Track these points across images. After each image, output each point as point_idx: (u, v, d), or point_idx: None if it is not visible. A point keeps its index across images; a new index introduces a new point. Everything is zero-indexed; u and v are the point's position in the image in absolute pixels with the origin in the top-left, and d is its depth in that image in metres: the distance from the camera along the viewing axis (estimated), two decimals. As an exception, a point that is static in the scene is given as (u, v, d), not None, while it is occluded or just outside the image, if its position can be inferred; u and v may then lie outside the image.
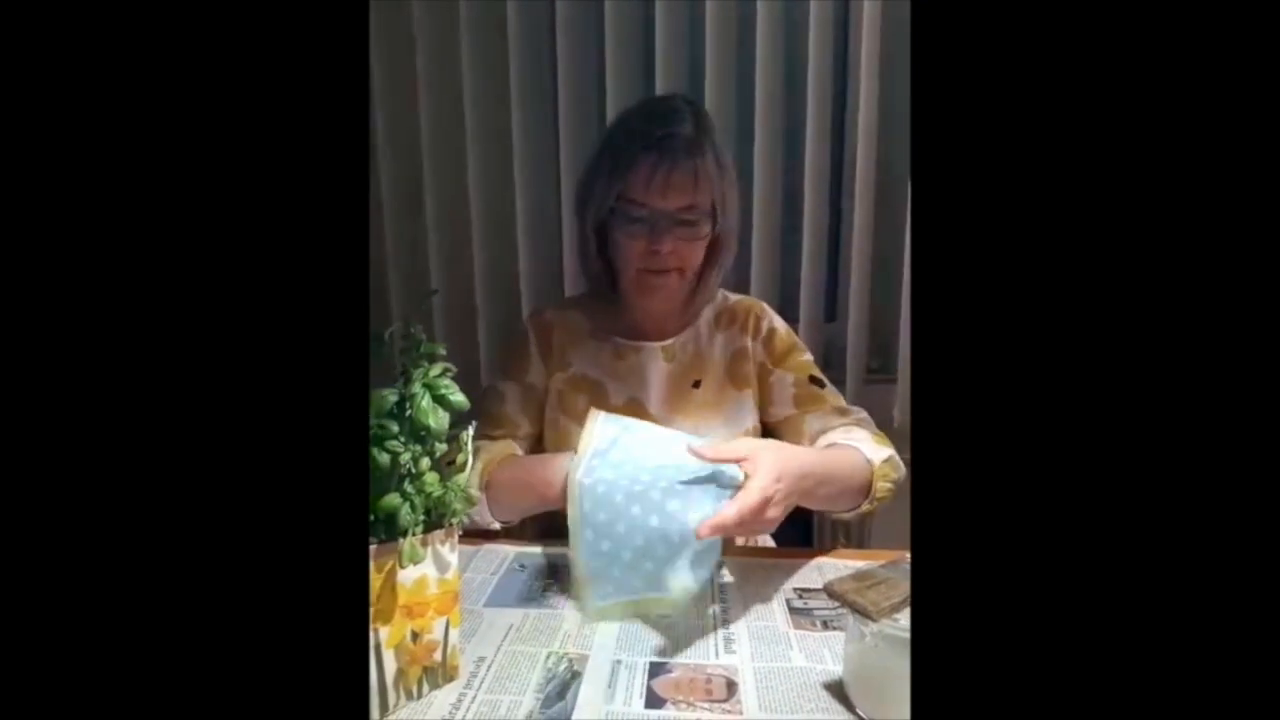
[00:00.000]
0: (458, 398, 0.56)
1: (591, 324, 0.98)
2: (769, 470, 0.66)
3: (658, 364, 0.95)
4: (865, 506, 0.83)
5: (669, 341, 0.96)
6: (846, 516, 0.85)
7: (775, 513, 0.66)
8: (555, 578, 0.78)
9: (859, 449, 0.83)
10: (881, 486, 0.82)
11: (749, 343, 0.97)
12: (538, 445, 0.97)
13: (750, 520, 0.63)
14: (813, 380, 0.95)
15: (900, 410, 1.37)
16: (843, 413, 0.92)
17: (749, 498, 0.63)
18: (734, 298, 1.02)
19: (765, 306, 1.01)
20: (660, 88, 1.38)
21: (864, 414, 0.93)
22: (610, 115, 1.39)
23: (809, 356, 0.98)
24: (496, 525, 0.86)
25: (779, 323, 1.00)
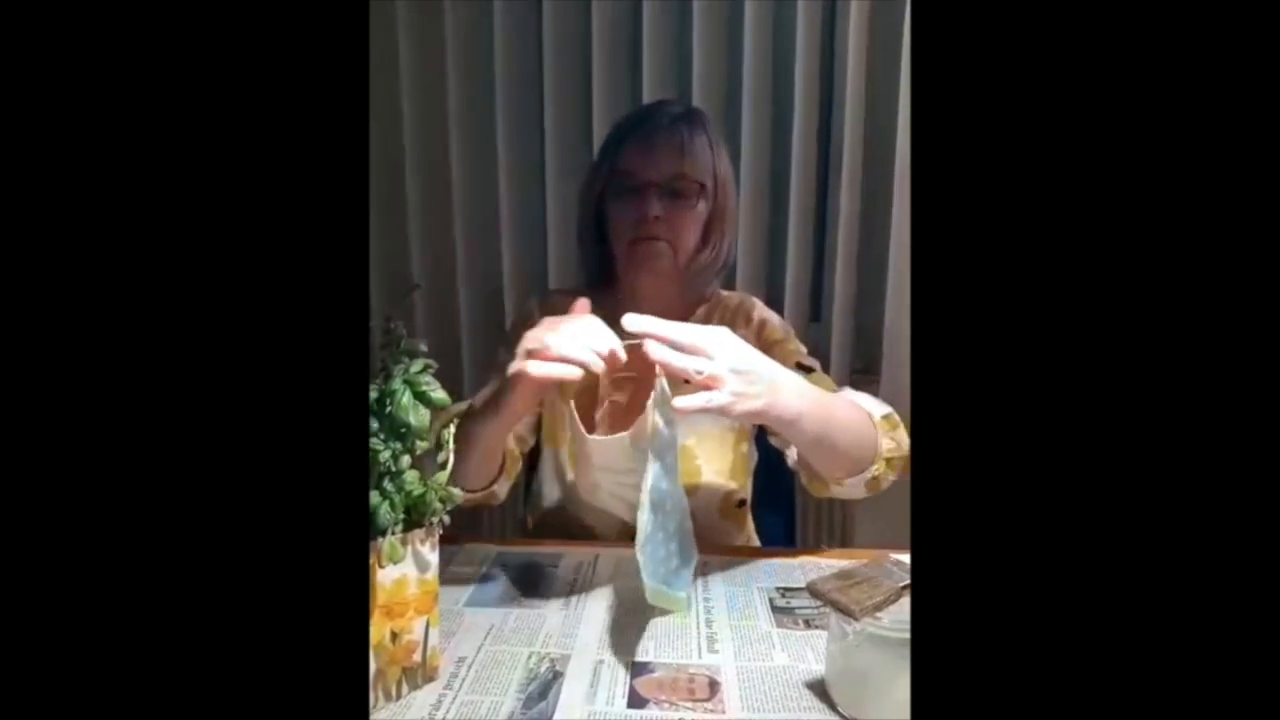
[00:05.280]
0: (438, 394, 0.56)
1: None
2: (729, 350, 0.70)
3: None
4: (874, 470, 0.78)
5: None
6: (848, 487, 0.79)
7: (744, 404, 0.68)
8: (536, 577, 0.77)
9: (857, 401, 0.81)
10: (887, 445, 0.78)
11: (740, 334, 0.97)
12: (532, 422, 0.97)
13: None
14: (800, 367, 0.93)
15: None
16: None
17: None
18: (726, 293, 1.03)
19: (757, 300, 1.01)
20: (647, 85, 1.38)
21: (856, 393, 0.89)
22: (596, 111, 1.39)
23: (798, 346, 0.97)
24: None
25: (771, 315, 1.00)
